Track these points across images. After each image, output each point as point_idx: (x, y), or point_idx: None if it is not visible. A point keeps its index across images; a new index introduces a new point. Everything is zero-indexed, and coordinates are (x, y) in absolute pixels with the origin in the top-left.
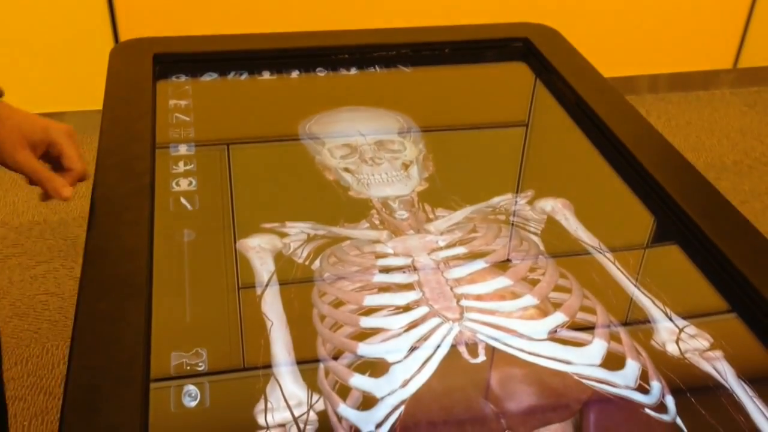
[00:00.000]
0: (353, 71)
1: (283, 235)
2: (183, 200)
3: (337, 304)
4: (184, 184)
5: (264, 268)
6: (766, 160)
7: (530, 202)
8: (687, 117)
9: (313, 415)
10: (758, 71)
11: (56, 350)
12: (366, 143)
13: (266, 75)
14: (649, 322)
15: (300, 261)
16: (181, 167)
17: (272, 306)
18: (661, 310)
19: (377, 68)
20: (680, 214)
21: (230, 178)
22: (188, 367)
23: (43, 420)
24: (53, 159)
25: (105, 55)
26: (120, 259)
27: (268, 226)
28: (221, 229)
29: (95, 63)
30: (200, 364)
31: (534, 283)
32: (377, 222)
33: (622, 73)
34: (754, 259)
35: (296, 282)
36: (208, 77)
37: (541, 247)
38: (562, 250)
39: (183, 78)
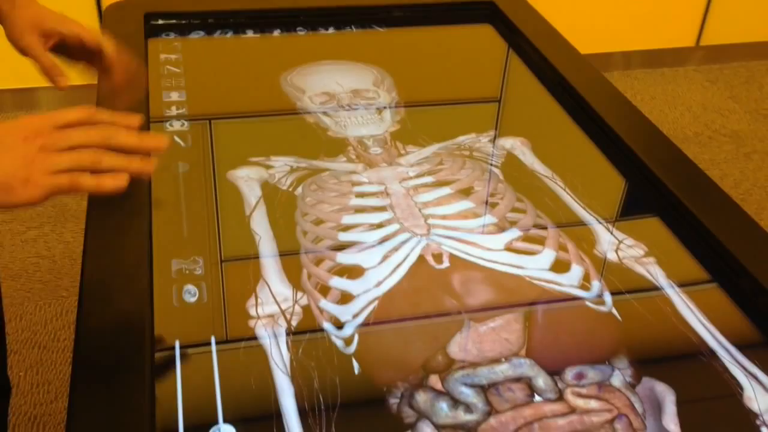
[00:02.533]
0: (331, 30)
1: (268, 167)
2: (177, 138)
3: (318, 222)
4: (177, 125)
5: (252, 193)
6: (725, 132)
7: (492, 140)
8: (651, 92)
9: (298, 309)
10: (720, 49)
11: (48, 308)
12: (343, 91)
13: (250, 33)
14: (593, 235)
15: (284, 188)
16: (174, 111)
17: (260, 223)
18: (604, 226)
19: (353, 28)
20: (660, 186)
21: (208, 125)
22: (187, 272)
23: (38, 371)
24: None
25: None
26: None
27: (255, 159)
28: (212, 162)
29: None
30: (197, 269)
31: (493, 205)
32: (353, 156)
33: (590, 50)
34: (733, 231)
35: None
36: (196, 35)
37: (501, 177)
38: (519, 180)
39: (172, 36)
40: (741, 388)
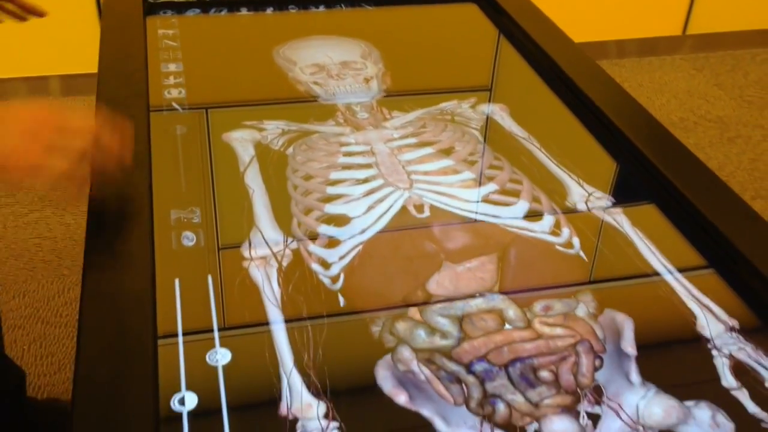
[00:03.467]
0: (321, 9)
1: (261, 130)
2: (175, 104)
3: (308, 177)
4: (174, 93)
5: (246, 152)
6: (710, 117)
7: (473, 107)
8: (639, 80)
9: (288, 252)
10: (707, 38)
11: (50, 285)
12: (332, 63)
13: (244, 11)
14: (564, 189)
15: (276, 148)
16: (172, 80)
17: (253, 178)
18: (575, 181)
19: (342, 6)
20: (655, 173)
21: (204, 92)
22: (185, 221)
23: (41, 344)
24: None
25: (87, 21)
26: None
27: (248, 123)
28: (207, 126)
29: (79, 28)
30: (195, 218)
31: (472, 163)
32: (341, 121)
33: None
34: (729, 216)
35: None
36: (192, 13)
37: (480, 139)
38: (497, 141)
39: (170, 13)
40: (695, 317)
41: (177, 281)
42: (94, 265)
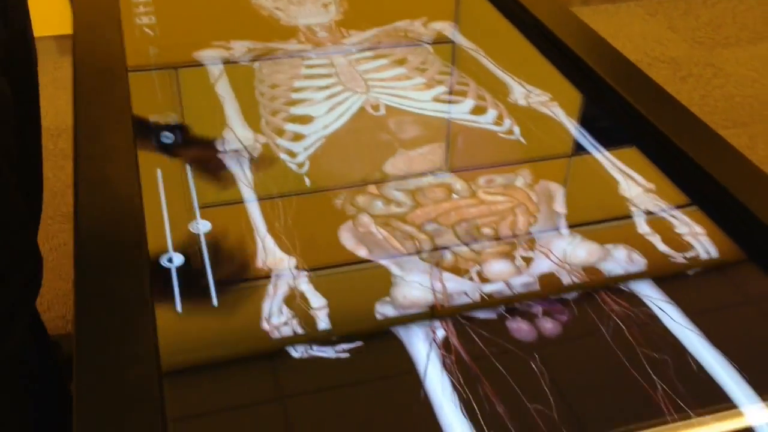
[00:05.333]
0: None
1: (228, 49)
2: (147, 30)
3: (273, 86)
4: (146, 20)
5: (215, 67)
6: (663, 58)
7: (425, 24)
8: (595, 27)
9: (258, 146)
10: None
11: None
12: None
13: None
14: (507, 88)
15: (243, 64)
16: (142, 9)
17: (223, 88)
18: (518, 82)
19: None
20: (636, 116)
21: (176, 19)
22: (163, 123)
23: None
24: None
25: None
26: (102, 57)
27: (217, 43)
28: (179, 46)
29: None
30: (172, 120)
31: (423, 70)
32: (303, 40)
33: None
34: (711, 154)
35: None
36: None
37: (431, 50)
38: (447, 52)
39: None
40: (617, 182)
41: (159, 171)
42: (85, 155)
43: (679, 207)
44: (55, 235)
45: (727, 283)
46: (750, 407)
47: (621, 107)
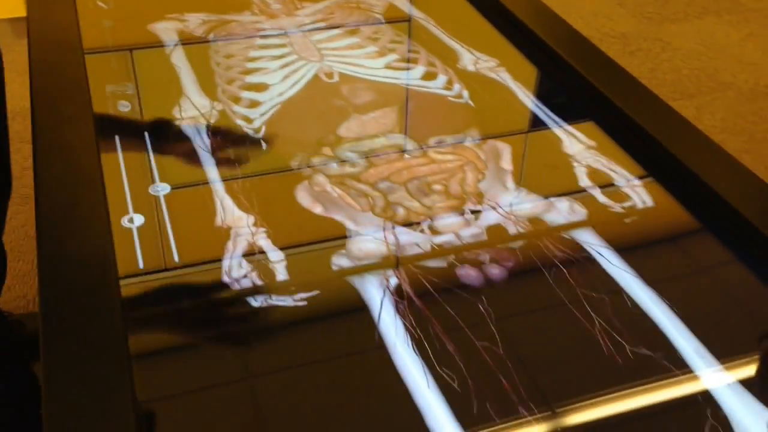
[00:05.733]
0: None
1: (183, 21)
2: (100, 3)
3: (229, 56)
4: None
5: (171, 39)
6: (613, 34)
7: None
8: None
9: (214, 112)
10: None
11: None
12: None
13: None
14: (457, 56)
15: (198, 34)
16: None
17: (179, 59)
18: (467, 50)
19: None
20: (593, 92)
21: None
22: (119, 93)
23: None
24: None
25: None
26: (57, 32)
27: (171, 16)
28: (134, 19)
29: None
30: (128, 90)
31: (375, 39)
32: (257, 11)
33: None
34: (665, 127)
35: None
36: None
37: (383, 20)
38: (400, 24)
39: None
40: (560, 140)
41: (116, 137)
42: (44, 126)
43: (623, 167)
44: (14, 217)
45: (660, 229)
46: (679, 338)
47: (572, 78)
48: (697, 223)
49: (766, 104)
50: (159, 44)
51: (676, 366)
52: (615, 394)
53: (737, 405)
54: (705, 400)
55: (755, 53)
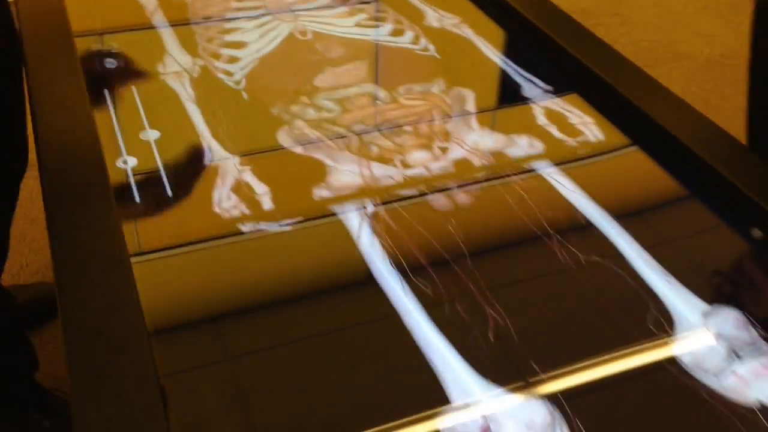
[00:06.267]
0: None
1: None
2: None
3: (207, 17)
4: None
5: (150, 3)
6: (575, 9)
7: None
8: None
9: (196, 67)
10: None
11: None
12: None
13: None
14: (423, 14)
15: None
16: None
17: (159, 21)
18: (432, 9)
19: None
20: (577, 64)
21: None
22: (104, 50)
23: None
24: None
25: None
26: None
27: None
28: None
29: None
30: (113, 49)
31: (345, 1)
32: None
33: None
34: (647, 95)
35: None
36: None
37: None
38: None
39: None
40: (519, 85)
41: (106, 91)
42: (37, 80)
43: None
44: None
45: (609, 160)
46: (625, 245)
47: (531, 33)
48: (644, 155)
49: (720, 73)
50: (139, 7)
51: (623, 268)
52: (567, 300)
53: (674, 297)
54: (649, 296)
55: (710, 24)
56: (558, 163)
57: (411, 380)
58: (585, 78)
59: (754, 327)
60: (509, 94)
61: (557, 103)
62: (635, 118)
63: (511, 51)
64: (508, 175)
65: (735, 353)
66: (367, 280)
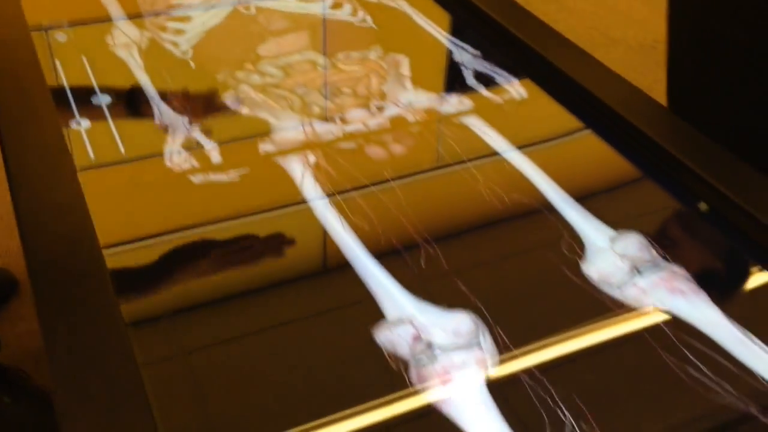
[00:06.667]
0: None
1: None
2: None
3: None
4: None
5: None
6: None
7: None
8: None
9: (144, 39)
10: None
11: None
12: None
13: None
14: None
15: None
16: None
17: (111, 3)
18: None
19: None
20: (527, 51)
21: None
22: (57, 27)
23: None
24: None
25: None
26: None
27: None
28: None
29: None
30: (64, 26)
31: None
32: None
33: None
34: (596, 79)
35: None
36: None
37: None
38: None
39: None
40: (450, 51)
41: (57, 62)
42: None
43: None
44: None
45: (526, 112)
46: (546, 186)
47: (465, 7)
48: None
49: (651, 57)
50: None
51: (546, 208)
52: (504, 244)
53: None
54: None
55: (642, 10)
56: (486, 118)
57: (349, 300)
58: (537, 64)
59: (654, 248)
60: (439, 57)
61: (485, 66)
62: (588, 103)
63: (454, 31)
64: (439, 129)
65: (636, 269)
66: (308, 217)
